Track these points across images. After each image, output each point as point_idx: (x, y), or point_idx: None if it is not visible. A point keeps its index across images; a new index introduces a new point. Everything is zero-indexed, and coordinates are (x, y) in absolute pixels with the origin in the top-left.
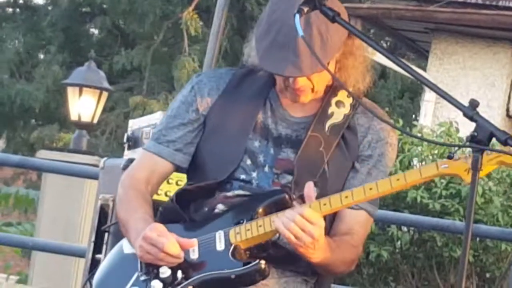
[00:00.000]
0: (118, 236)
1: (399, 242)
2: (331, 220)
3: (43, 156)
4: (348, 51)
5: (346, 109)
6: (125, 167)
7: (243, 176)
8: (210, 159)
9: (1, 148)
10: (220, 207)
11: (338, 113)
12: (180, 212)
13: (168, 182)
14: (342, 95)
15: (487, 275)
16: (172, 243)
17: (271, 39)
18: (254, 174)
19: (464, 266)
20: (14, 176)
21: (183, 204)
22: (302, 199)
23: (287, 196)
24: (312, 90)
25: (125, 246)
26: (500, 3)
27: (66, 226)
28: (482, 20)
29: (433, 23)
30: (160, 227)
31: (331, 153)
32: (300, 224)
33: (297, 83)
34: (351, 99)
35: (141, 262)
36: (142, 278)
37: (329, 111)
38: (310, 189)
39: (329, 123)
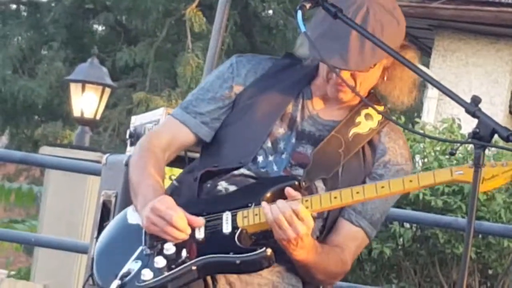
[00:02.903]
0: None
1: (401, 239)
2: (329, 230)
3: (46, 152)
4: (398, 62)
5: (373, 124)
6: (128, 164)
7: (261, 158)
8: (232, 138)
9: (4, 144)
10: (223, 184)
11: (364, 124)
12: (195, 190)
13: None
14: (373, 109)
15: (490, 271)
16: (180, 217)
17: (324, 29)
18: (271, 158)
19: (466, 263)
20: (17, 172)
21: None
22: (309, 191)
23: (296, 184)
24: (353, 90)
25: (129, 215)
26: (503, 0)
27: (69, 222)
28: (485, 17)
29: (436, 20)
30: (169, 200)
31: (349, 159)
32: (289, 218)
33: (340, 76)
34: (380, 116)
35: (145, 236)
36: (146, 252)
37: (357, 120)
38: (291, 194)
39: (353, 130)
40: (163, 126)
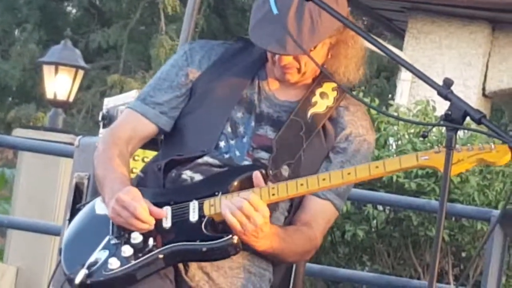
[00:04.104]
0: None
1: (375, 221)
2: (296, 208)
3: (19, 134)
4: (342, 39)
5: (329, 101)
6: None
7: (222, 144)
8: (193, 126)
9: None
10: (188, 173)
11: (321, 103)
12: (160, 180)
13: (134, 159)
14: (327, 87)
15: (463, 254)
16: (143, 209)
17: (264, 13)
18: (232, 142)
19: (438, 245)
20: None
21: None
22: (276, 178)
23: (263, 172)
24: (299, 70)
25: (97, 206)
26: None
27: (42, 204)
28: None
29: (409, 2)
30: (135, 191)
31: (310, 140)
32: (246, 211)
33: (282, 60)
34: (335, 92)
35: (113, 226)
36: (113, 242)
37: (313, 100)
38: (258, 178)
39: (311, 111)
40: (123, 120)
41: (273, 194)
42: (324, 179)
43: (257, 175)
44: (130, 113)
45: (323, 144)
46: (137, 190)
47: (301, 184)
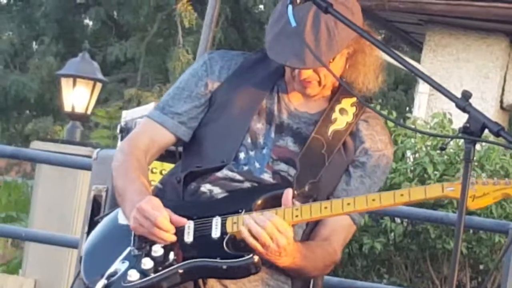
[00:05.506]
0: None
1: (392, 234)
2: (314, 222)
3: (37, 147)
4: (360, 48)
5: (349, 117)
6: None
7: (242, 155)
8: (212, 137)
9: None
10: (207, 186)
11: (341, 120)
12: (180, 192)
13: (152, 172)
14: (346, 103)
15: (481, 267)
16: (164, 218)
17: (280, 28)
18: (252, 153)
19: (456, 258)
20: (8, 167)
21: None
22: (301, 197)
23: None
24: (319, 83)
25: (120, 215)
26: None
27: (60, 217)
28: (476, 12)
29: (427, 15)
30: (156, 201)
31: (332, 157)
32: (270, 232)
33: (302, 74)
34: (354, 108)
35: (134, 237)
36: (134, 253)
37: (333, 117)
38: (287, 196)
39: (332, 128)
40: (141, 129)
41: (296, 216)
42: (348, 204)
43: (288, 192)
44: (149, 123)
45: (344, 158)
46: (158, 200)
47: (325, 208)
